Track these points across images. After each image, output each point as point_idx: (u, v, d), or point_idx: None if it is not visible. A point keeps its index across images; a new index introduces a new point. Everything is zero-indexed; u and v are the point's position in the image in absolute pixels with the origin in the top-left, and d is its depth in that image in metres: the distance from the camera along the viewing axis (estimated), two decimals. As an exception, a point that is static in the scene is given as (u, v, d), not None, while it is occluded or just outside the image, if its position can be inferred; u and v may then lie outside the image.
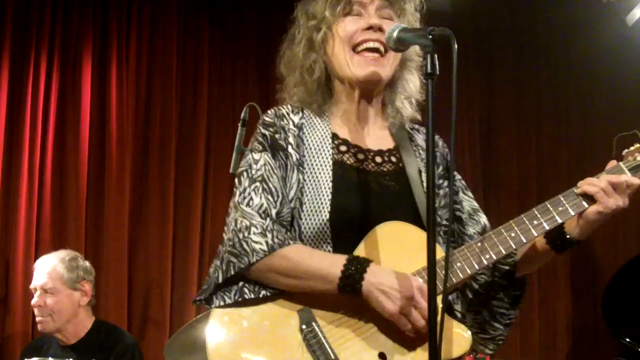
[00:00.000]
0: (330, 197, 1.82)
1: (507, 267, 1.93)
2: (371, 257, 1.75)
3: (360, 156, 1.95)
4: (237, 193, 1.83)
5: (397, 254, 1.80)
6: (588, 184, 1.81)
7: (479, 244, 1.80)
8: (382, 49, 1.92)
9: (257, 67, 4.97)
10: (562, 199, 1.82)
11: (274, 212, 1.80)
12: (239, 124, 2.95)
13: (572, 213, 1.82)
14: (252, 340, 1.71)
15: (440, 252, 1.68)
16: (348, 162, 1.92)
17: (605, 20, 4.85)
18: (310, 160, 1.88)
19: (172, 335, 2.02)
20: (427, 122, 1.60)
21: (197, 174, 4.82)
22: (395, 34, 1.76)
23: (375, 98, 2.01)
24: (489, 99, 5.50)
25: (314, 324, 1.73)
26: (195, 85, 4.94)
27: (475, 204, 2.03)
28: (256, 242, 1.74)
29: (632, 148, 1.88)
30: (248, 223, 1.76)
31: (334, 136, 1.95)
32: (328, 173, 1.87)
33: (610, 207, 1.79)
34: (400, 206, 1.90)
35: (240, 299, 1.75)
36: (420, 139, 2.06)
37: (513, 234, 1.80)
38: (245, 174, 1.86)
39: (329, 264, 1.73)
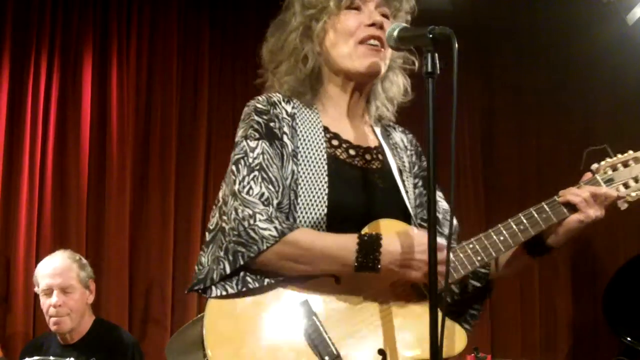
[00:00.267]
0: (327, 191, 1.82)
1: (483, 270, 1.98)
2: None
3: (352, 152, 1.94)
4: (236, 181, 1.78)
5: None
6: (571, 194, 1.88)
7: (471, 246, 1.84)
8: (380, 46, 1.92)
9: (257, 67, 4.96)
10: (545, 206, 1.88)
11: (275, 202, 1.77)
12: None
13: (555, 220, 1.88)
14: (254, 334, 1.70)
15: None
16: (341, 156, 1.92)
17: (605, 20, 4.85)
18: (304, 152, 1.86)
19: (173, 334, 2.02)
20: (427, 122, 1.60)
21: (198, 173, 4.82)
22: (396, 33, 1.77)
23: (364, 94, 2.00)
24: (489, 99, 5.50)
25: (314, 317, 1.73)
26: (196, 85, 4.94)
27: (447, 205, 2.06)
28: (264, 229, 1.71)
29: (602, 163, 1.96)
30: (251, 211, 1.73)
31: (325, 129, 1.93)
32: (323, 166, 1.85)
33: (591, 216, 1.86)
34: (391, 204, 1.92)
35: (244, 289, 1.72)
36: (397, 137, 2.09)
37: (502, 238, 1.85)
38: (242, 162, 1.81)
39: (342, 246, 1.72)
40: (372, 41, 1.91)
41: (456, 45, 1.58)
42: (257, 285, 1.73)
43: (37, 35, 4.66)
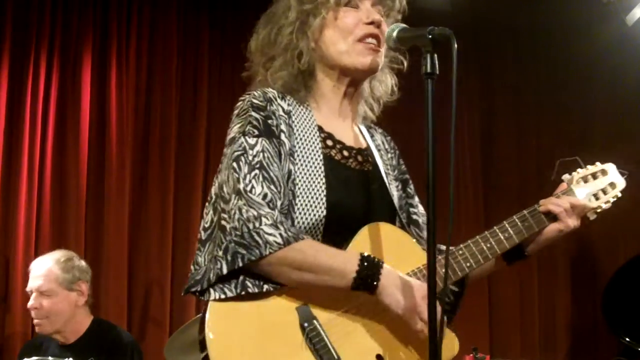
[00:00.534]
0: (325, 192, 1.79)
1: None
2: None
3: (345, 153, 1.93)
4: (240, 179, 1.73)
5: (386, 255, 1.79)
6: (552, 204, 1.94)
7: (461, 252, 1.87)
8: (378, 44, 1.91)
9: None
10: (527, 215, 1.94)
11: (278, 203, 1.73)
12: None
13: (536, 229, 1.93)
14: (256, 337, 1.67)
15: (423, 258, 1.69)
16: (336, 157, 1.90)
17: (605, 20, 4.85)
18: (301, 152, 1.83)
19: (172, 334, 2.02)
20: (427, 122, 1.59)
21: (197, 174, 4.81)
22: (395, 34, 1.76)
23: (356, 93, 1.99)
24: (489, 98, 5.50)
25: (315, 321, 1.71)
26: (195, 85, 4.93)
27: (423, 210, 2.08)
28: (269, 234, 1.66)
29: (574, 174, 2.04)
30: (256, 213, 1.67)
31: (320, 129, 1.90)
32: (320, 167, 1.83)
33: (570, 226, 1.93)
34: (383, 206, 1.93)
35: (243, 293, 1.67)
36: (378, 138, 2.09)
37: (489, 245, 1.89)
38: (242, 159, 1.76)
39: (344, 261, 1.72)
40: (370, 39, 1.89)
41: (456, 45, 1.57)
42: (256, 290, 1.68)
43: (36, 35, 4.64)
